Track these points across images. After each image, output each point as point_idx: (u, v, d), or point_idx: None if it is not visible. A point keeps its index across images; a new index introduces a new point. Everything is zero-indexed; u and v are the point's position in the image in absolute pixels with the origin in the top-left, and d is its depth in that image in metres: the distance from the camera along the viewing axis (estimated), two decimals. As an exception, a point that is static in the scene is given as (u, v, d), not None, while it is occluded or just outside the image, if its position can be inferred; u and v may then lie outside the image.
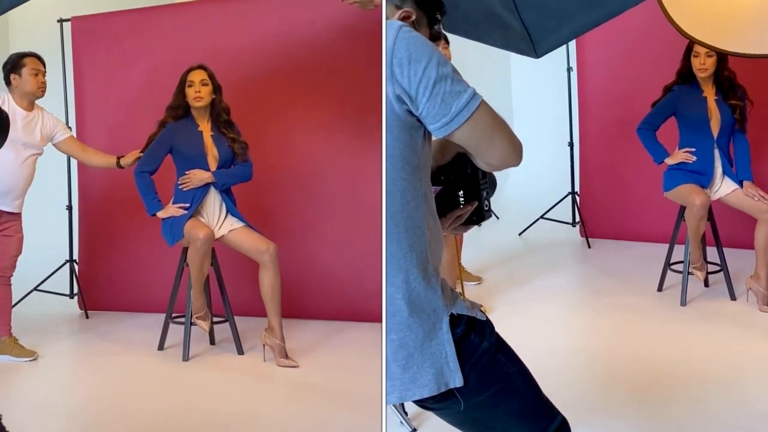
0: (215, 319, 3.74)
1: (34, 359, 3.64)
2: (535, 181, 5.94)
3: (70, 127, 4.14)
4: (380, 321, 4.04)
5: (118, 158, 3.73)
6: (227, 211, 3.60)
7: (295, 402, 3.14)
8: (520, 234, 5.47)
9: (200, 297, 3.56)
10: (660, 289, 4.24)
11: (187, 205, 3.54)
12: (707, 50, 3.88)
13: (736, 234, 4.34)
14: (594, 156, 5.23)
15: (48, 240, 4.43)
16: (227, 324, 3.69)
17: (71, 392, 3.42)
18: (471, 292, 4.35)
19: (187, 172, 3.56)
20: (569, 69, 5.24)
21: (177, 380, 3.41)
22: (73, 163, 4.41)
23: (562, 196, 5.34)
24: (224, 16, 4.22)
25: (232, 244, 3.57)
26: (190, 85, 3.57)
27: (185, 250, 3.60)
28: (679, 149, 4.07)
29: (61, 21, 4.44)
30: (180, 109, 3.60)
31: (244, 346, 3.67)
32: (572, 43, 5.16)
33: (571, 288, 4.57)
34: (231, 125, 3.64)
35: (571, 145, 5.30)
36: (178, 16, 4.33)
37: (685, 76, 4.02)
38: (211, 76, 3.60)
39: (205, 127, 3.62)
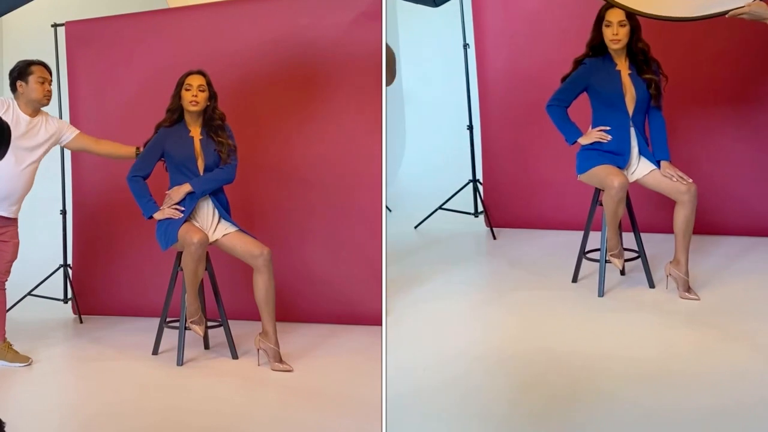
0: (210, 324, 3.75)
1: (29, 364, 3.64)
2: (432, 169, 5.58)
3: None
4: (373, 324, 3.80)
5: (137, 148, 3.75)
6: (220, 216, 3.59)
7: (289, 406, 3.15)
8: (416, 227, 5.05)
9: (195, 301, 3.58)
10: (575, 279, 3.94)
11: (183, 208, 3.54)
12: (620, 19, 3.61)
13: (651, 218, 4.10)
14: (498, 140, 4.88)
15: (42, 245, 4.47)
16: (221, 328, 3.69)
17: (65, 397, 3.46)
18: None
19: (167, 192, 3.60)
20: (466, 46, 4.87)
21: (171, 385, 3.43)
22: (68, 167, 4.45)
23: (462, 185, 4.97)
24: (220, 21, 4.26)
25: (226, 248, 3.59)
26: (187, 89, 3.59)
27: (179, 254, 3.61)
28: (592, 128, 3.77)
29: (55, 26, 4.44)
30: (176, 113, 3.63)
31: (239, 351, 3.68)
32: (468, 18, 4.81)
33: (476, 284, 4.22)
34: (222, 129, 3.65)
35: (470, 128, 4.94)
36: (173, 21, 4.36)
37: (597, 47, 3.73)
38: (209, 83, 3.63)
39: (195, 131, 3.64)
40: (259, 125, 4.15)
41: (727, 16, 3.25)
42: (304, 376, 3.42)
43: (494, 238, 4.79)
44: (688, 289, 3.64)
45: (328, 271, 4.09)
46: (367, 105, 3.96)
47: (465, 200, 5.01)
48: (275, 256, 3.52)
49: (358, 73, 3.98)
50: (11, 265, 3.67)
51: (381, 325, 3.69)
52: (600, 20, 3.67)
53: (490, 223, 4.84)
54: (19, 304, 4.24)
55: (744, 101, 4.32)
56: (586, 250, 3.91)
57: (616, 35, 3.62)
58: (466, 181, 4.96)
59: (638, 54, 3.67)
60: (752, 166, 4.33)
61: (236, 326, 3.74)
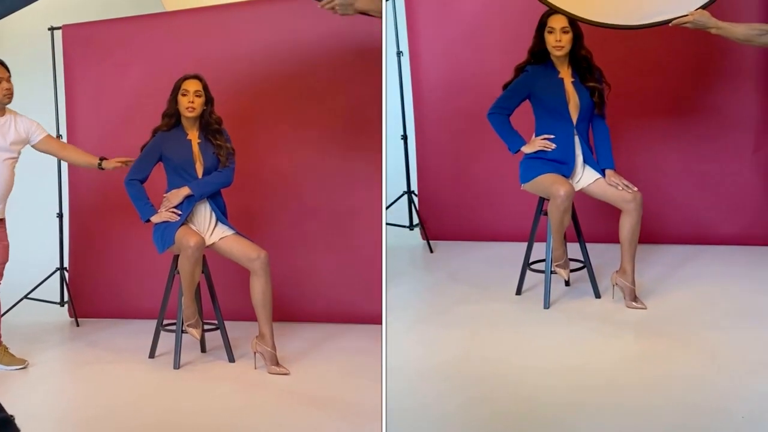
0: (206, 327, 3.74)
1: (24, 367, 3.63)
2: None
3: (60, 135, 4.36)
4: (369, 323, 3.91)
5: (101, 159, 3.71)
6: (217, 219, 3.59)
7: (286, 409, 3.13)
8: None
9: (191, 305, 3.58)
10: (519, 292, 3.84)
11: (180, 212, 3.54)
12: (563, 26, 3.55)
13: (595, 227, 4.05)
14: (434, 150, 4.75)
15: (38, 248, 4.52)
16: (218, 331, 3.69)
17: (61, 400, 3.41)
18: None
19: (165, 195, 3.59)
20: (399, 53, 4.74)
21: (168, 388, 3.41)
22: (64, 170, 4.47)
23: (396, 196, 4.82)
24: (216, 25, 4.26)
25: (223, 251, 3.59)
26: (183, 94, 3.57)
27: (176, 257, 3.60)
28: (535, 136, 3.69)
29: (52, 29, 4.42)
30: (174, 117, 3.61)
31: (236, 354, 3.67)
32: (402, 25, 4.68)
33: (413, 299, 4.05)
34: (220, 133, 3.64)
35: (404, 138, 4.80)
36: (170, 25, 4.35)
37: (538, 54, 3.65)
38: (205, 88, 3.61)
39: (193, 135, 3.62)
40: (255, 128, 4.19)
41: (670, 25, 3.24)
42: (300, 379, 3.42)
43: (431, 251, 4.65)
44: (635, 299, 3.60)
45: (324, 272, 4.16)
46: (363, 108, 4.01)
47: (400, 213, 4.87)
48: (272, 258, 3.52)
49: (354, 76, 4.06)
50: (3, 268, 3.64)
51: (374, 324, 3.82)
52: (542, 26, 3.61)
53: (427, 236, 4.70)
54: (15, 307, 4.23)
55: (684, 111, 4.34)
56: (530, 261, 3.82)
57: (559, 42, 3.56)
58: (401, 193, 4.82)
59: (581, 61, 3.62)
60: (693, 175, 4.36)
61: (233, 328, 3.76)
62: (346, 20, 3.98)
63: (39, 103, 4.38)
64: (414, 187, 4.82)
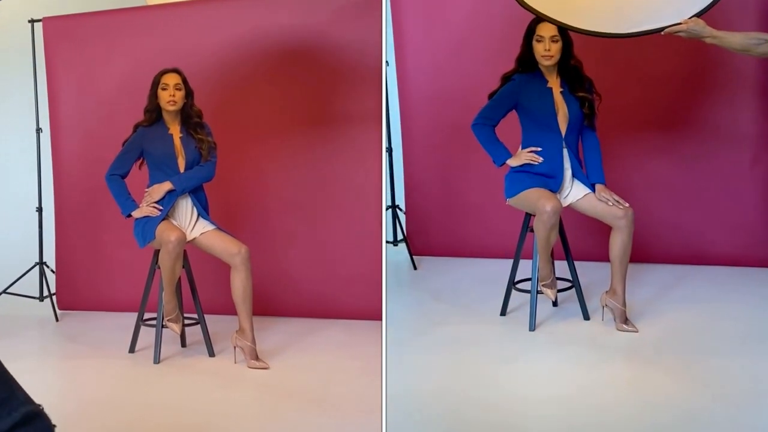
0: (187, 321, 3.73)
1: None
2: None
3: (41, 129, 4.37)
4: (350, 318, 4.00)
5: None
6: (198, 214, 3.59)
7: (265, 404, 3.12)
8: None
9: (172, 300, 3.58)
10: (504, 312, 3.65)
11: (161, 207, 3.54)
12: (552, 34, 3.39)
13: (585, 245, 3.88)
14: (420, 163, 4.59)
15: (17, 242, 4.59)
16: (198, 326, 3.68)
17: (40, 395, 3.16)
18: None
19: (146, 190, 3.59)
20: (386, 63, 4.57)
21: (148, 383, 3.40)
22: (45, 164, 4.44)
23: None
24: (199, 18, 4.24)
25: (204, 246, 3.58)
26: (164, 88, 3.56)
27: (157, 252, 3.59)
28: (522, 148, 3.52)
29: (32, 21, 4.36)
30: (155, 112, 3.61)
31: (216, 348, 3.66)
32: (389, 34, 4.53)
33: (392, 319, 3.82)
34: (201, 126, 3.64)
35: (389, 150, 4.63)
36: (152, 18, 4.32)
37: (526, 63, 3.48)
38: (185, 81, 3.60)
39: (175, 129, 3.62)
40: (238, 123, 4.17)
41: (662, 33, 3.07)
42: (280, 373, 3.41)
43: (414, 268, 4.47)
44: (626, 321, 3.41)
45: (304, 267, 4.17)
46: (351, 102, 4.03)
47: (385, 227, 4.69)
48: (252, 253, 3.52)
49: (341, 70, 4.05)
50: None
51: (353, 319, 3.95)
52: (530, 34, 3.44)
53: (410, 252, 4.52)
54: None
55: (678, 123, 4.19)
56: (515, 280, 3.64)
57: (548, 51, 3.40)
58: (385, 207, 4.64)
59: (571, 71, 3.46)
60: (687, 191, 4.20)
61: (213, 322, 3.74)
62: (329, 16, 4.07)
63: (20, 96, 4.40)
64: (398, 200, 4.65)
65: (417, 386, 3.02)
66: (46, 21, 4.33)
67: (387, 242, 4.63)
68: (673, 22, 3.05)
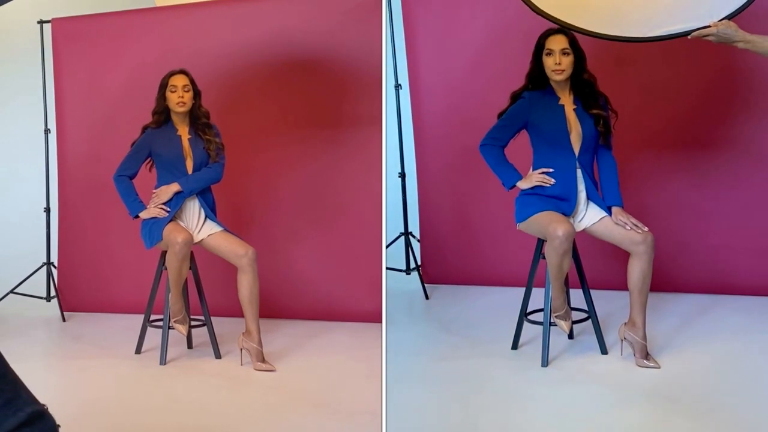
0: (193, 323, 3.75)
1: None
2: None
3: (49, 130, 4.43)
4: (357, 321, 4.04)
5: None
6: (206, 216, 3.62)
7: (271, 406, 3.13)
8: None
9: (178, 301, 3.60)
10: (515, 346, 3.42)
11: (168, 208, 3.57)
12: (563, 47, 3.20)
13: (602, 272, 3.65)
14: (436, 189, 4.41)
15: (25, 242, 4.64)
16: (204, 327, 3.69)
17: (46, 395, 3.27)
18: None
19: (154, 191, 3.62)
20: (398, 86, 4.42)
21: (153, 384, 3.42)
22: (52, 165, 4.50)
23: (394, 237, 4.46)
24: (208, 20, 4.28)
25: (211, 248, 3.62)
26: (172, 90, 3.59)
27: (164, 253, 3.62)
28: (533, 170, 3.31)
29: (41, 22, 4.43)
30: (163, 114, 3.64)
31: (222, 350, 3.69)
32: (401, 57, 4.39)
33: (399, 352, 3.59)
34: (209, 127, 3.68)
35: (402, 176, 4.45)
36: (160, 20, 4.37)
37: (537, 79, 3.29)
38: (193, 82, 3.64)
39: (183, 131, 3.66)
40: (245, 126, 4.21)
41: (689, 37, 2.87)
42: (286, 376, 3.43)
43: (427, 297, 4.26)
44: (646, 356, 3.15)
45: (311, 269, 4.19)
46: (356, 107, 4.05)
47: (398, 254, 4.49)
48: (259, 255, 3.54)
49: (347, 74, 4.08)
50: None
51: (360, 322, 4.00)
52: (540, 48, 3.25)
53: (422, 281, 4.31)
54: (1, 301, 4.29)
55: (701, 142, 3.96)
56: (527, 311, 3.41)
57: (558, 65, 3.20)
58: (398, 234, 4.45)
59: (584, 87, 3.25)
60: (711, 215, 3.96)
61: (219, 324, 3.76)
62: (337, 19, 4.09)
63: (28, 96, 4.48)
64: (411, 227, 4.46)
65: (420, 425, 2.81)
66: (55, 22, 4.41)
67: (399, 270, 4.44)
68: (701, 25, 2.83)
